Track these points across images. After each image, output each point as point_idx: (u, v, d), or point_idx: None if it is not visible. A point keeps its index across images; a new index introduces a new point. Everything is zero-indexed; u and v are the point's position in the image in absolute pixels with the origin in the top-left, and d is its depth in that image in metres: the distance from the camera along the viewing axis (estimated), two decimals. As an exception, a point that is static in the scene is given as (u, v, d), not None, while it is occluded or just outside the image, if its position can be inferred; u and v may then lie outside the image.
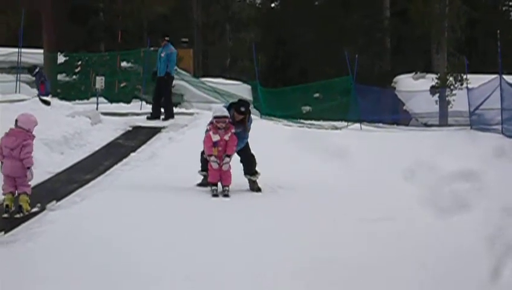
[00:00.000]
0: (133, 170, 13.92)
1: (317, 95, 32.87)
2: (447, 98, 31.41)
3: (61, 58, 33.76)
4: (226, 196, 11.70)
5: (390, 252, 8.25)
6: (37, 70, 24.05)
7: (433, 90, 32.15)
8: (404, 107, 33.73)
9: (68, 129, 16.79)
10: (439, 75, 33.25)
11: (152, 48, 26.40)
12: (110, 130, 18.41)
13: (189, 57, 42.61)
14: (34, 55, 32.33)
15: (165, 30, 36.49)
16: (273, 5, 54.77)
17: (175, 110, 21.55)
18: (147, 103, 24.72)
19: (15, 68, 29.24)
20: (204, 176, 12.40)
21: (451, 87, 31.18)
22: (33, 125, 10.85)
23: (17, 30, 30.45)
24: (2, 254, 8.36)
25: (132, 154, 15.54)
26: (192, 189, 12.19)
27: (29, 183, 10.80)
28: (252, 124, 12.62)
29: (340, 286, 7.12)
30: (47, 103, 19.55)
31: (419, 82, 35.21)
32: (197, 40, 47.47)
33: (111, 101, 27.26)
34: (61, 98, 25.44)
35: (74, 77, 33.70)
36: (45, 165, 11.17)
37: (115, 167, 14.39)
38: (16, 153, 10.55)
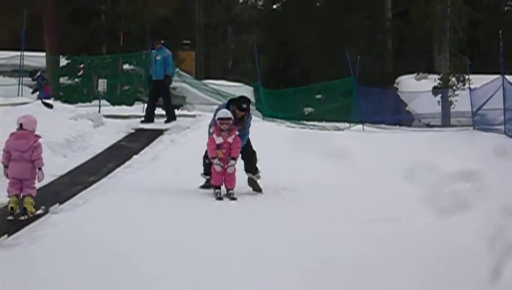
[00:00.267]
0: (136, 173, 13.94)
1: (319, 96, 32.88)
2: (449, 99, 31.37)
3: (63, 61, 33.82)
4: (233, 199, 11.61)
5: (391, 252, 8.24)
6: (38, 74, 24.10)
7: (435, 90, 32.10)
8: (407, 108, 33.70)
9: (71, 132, 16.84)
10: (441, 75, 33.20)
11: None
12: (112, 132, 18.45)
13: (191, 59, 42.66)
14: (36, 58, 32.37)
15: (167, 32, 36.64)
16: (274, 6, 54.77)
17: (177, 112, 21.59)
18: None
19: (17, 71, 29.28)
20: (207, 179, 12.39)
21: (454, 87, 31.12)
22: (35, 125, 10.97)
23: (19, 33, 30.50)
24: (5, 257, 8.39)
25: (135, 156, 15.57)
26: (195, 191, 12.18)
27: (35, 185, 10.86)
28: (252, 121, 12.63)
29: (340, 286, 7.12)
30: (49, 106, 19.60)
31: (422, 83, 35.17)
32: (199, 42, 47.49)
33: (113, 103, 27.29)
34: (64, 101, 25.50)
35: (76, 79, 33.75)
36: (48, 168, 11.18)
37: (118, 169, 14.42)
38: (27, 155, 10.64)
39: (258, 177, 12.43)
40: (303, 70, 43.65)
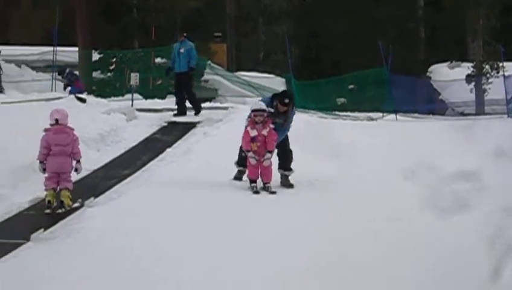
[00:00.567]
0: (169, 166, 14.00)
1: (351, 86, 32.69)
2: (483, 87, 31.10)
3: (95, 56, 33.97)
4: (273, 193, 11.56)
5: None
6: (67, 71, 24.20)
7: (468, 79, 31.81)
8: (440, 97, 33.43)
9: (104, 126, 16.94)
10: (474, 63, 32.90)
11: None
12: (145, 126, 18.51)
13: (223, 52, 42.64)
14: (69, 54, 32.59)
15: (198, 25, 36.70)
16: (305, -4, 54.58)
17: (209, 104, 21.62)
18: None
19: (50, 67, 29.47)
20: (239, 170, 12.37)
21: (487, 75, 30.86)
22: (68, 118, 11.10)
23: (51, 29, 30.70)
24: (43, 250, 8.48)
25: (168, 149, 15.63)
26: (229, 184, 12.16)
27: (72, 178, 10.98)
28: (294, 116, 12.59)
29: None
30: (83, 100, 19.72)
31: (455, 71, 34.84)
32: (230, 34, 47.45)
33: (146, 97, 27.35)
34: (97, 96, 25.60)
35: (109, 74, 33.87)
36: (82, 162, 11.29)
37: (151, 162, 14.49)
38: (68, 149, 10.88)
39: (290, 173, 12.32)
40: (334, 61, 43.44)
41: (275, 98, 12.24)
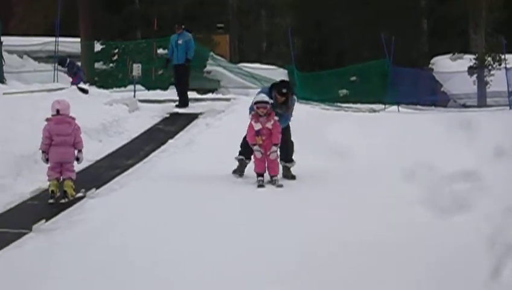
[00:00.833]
0: (171, 157, 13.99)
1: (354, 78, 32.68)
2: (485, 79, 31.11)
3: (98, 47, 33.98)
4: (280, 186, 11.45)
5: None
6: (68, 61, 24.16)
7: (471, 71, 31.83)
8: (442, 89, 33.43)
9: (106, 117, 16.96)
10: (477, 55, 32.91)
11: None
12: (147, 117, 18.52)
13: (226, 43, 42.66)
14: (71, 44, 32.58)
15: (200, 16, 36.64)
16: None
17: (211, 96, 21.59)
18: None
19: (52, 57, 29.46)
20: (239, 160, 12.27)
21: (490, 67, 30.86)
22: (69, 109, 11.15)
23: (53, 19, 30.67)
24: (44, 242, 8.51)
25: (170, 140, 15.64)
26: (231, 178, 12.05)
27: (74, 168, 11.06)
28: (295, 104, 12.50)
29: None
30: (85, 91, 19.69)
31: (457, 63, 34.86)
32: (233, 25, 47.43)
33: (148, 88, 27.39)
34: (99, 86, 25.63)
35: (111, 64, 33.89)
36: (84, 152, 11.31)
37: (153, 153, 14.51)
38: (70, 138, 10.93)
39: (292, 165, 12.26)
40: (337, 53, 43.40)
41: (273, 89, 12.09)
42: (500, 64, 29.53)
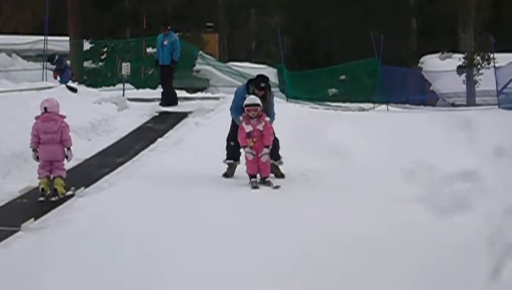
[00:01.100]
0: (160, 156, 13.97)
1: (343, 77, 32.65)
2: (474, 78, 31.14)
3: (86, 45, 33.87)
4: (277, 187, 11.40)
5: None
6: (56, 58, 24.04)
7: (460, 70, 31.86)
8: (431, 88, 33.49)
9: (95, 116, 16.93)
10: (466, 54, 32.95)
11: (177, 34, 26.43)
12: (136, 116, 18.49)
13: (215, 42, 42.61)
14: (60, 43, 32.44)
15: (189, 15, 36.60)
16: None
17: (201, 94, 21.54)
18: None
19: (41, 56, 29.35)
20: (229, 164, 12.25)
21: (479, 66, 30.89)
22: (58, 107, 11.17)
23: (42, 17, 30.56)
24: (33, 240, 8.48)
25: (159, 139, 15.62)
26: (221, 178, 12.04)
27: (65, 166, 11.01)
28: (274, 99, 12.45)
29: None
30: (74, 90, 19.64)
31: (446, 62, 34.91)
32: (222, 24, 47.39)
33: (137, 87, 27.29)
34: (88, 85, 25.49)
35: (100, 63, 33.80)
36: (73, 151, 11.27)
37: (143, 152, 14.49)
38: (57, 136, 10.89)
39: (280, 163, 12.25)
40: (326, 52, 43.43)
41: (251, 84, 12.06)
42: (489, 63, 29.51)
